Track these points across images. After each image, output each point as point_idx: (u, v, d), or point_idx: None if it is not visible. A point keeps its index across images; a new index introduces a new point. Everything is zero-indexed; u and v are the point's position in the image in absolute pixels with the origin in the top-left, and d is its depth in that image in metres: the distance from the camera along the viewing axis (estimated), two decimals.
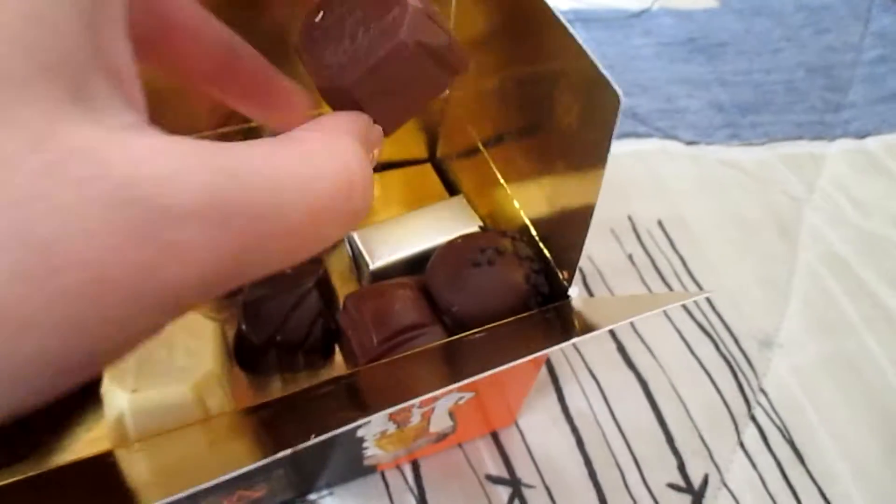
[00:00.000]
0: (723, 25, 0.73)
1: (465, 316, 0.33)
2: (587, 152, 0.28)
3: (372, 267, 0.38)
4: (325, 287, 0.38)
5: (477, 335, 0.31)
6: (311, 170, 0.18)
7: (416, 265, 0.38)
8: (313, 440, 0.20)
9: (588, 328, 0.27)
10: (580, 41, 0.27)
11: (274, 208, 0.16)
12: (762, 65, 0.70)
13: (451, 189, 0.48)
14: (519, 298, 0.33)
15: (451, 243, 0.36)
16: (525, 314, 0.32)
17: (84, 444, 0.34)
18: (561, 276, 0.33)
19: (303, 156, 0.18)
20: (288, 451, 0.20)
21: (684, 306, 0.49)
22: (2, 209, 0.12)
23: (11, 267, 0.12)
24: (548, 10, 0.30)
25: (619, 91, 0.24)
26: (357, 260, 0.40)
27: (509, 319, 0.32)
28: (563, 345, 0.25)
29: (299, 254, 0.18)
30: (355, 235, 0.40)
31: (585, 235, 0.29)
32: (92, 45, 0.15)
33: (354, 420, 0.21)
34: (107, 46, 0.16)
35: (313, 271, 0.37)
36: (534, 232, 0.36)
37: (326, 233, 0.19)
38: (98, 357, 0.14)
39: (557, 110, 0.31)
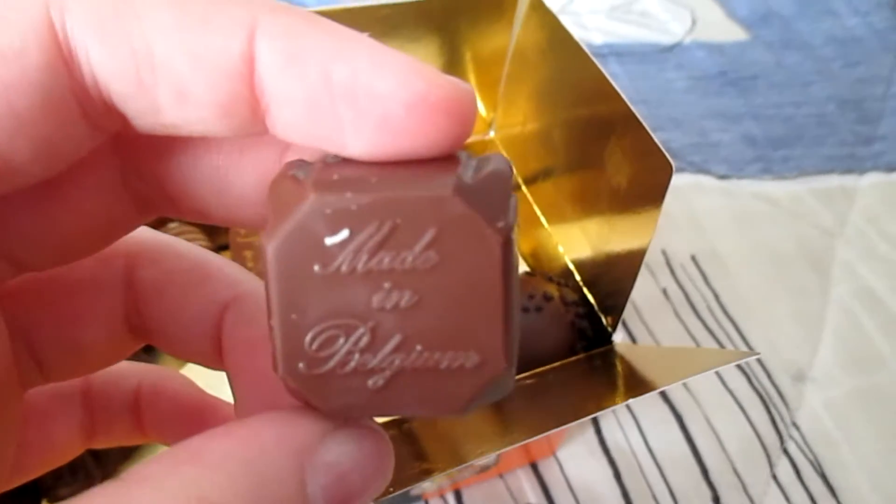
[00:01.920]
0: (753, 58, 0.74)
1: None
2: (636, 212, 0.30)
3: None
4: None
5: (527, 381, 0.32)
6: None
7: None
8: (390, 494, 0.22)
9: (634, 378, 0.29)
10: (632, 108, 0.29)
11: None
12: (793, 98, 0.71)
13: None
14: (565, 343, 0.35)
15: None
16: (572, 359, 0.34)
17: None
18: (605, 322, 0.35)
19: None
20: (386, 498, 0.22)
21: (718, 340, 0.51)
22: None
23: None
24: (599, 72, 0.31)
25: (672, 161, 0.26)
26: None
27: (557, 364, 0.33)
28: (615, 407, 0.26)
29: None
30: None
31: (632, 287, 0.31)
32: None
33: (422, 479, 0.23)
34: None
35: None
36: (578, 277, 0.38)
37: None
38: None
39: (607, 166, 0.32)
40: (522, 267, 0.43)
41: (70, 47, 0.13)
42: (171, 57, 0.13)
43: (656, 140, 0.29)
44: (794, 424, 0.47)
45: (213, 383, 0.38)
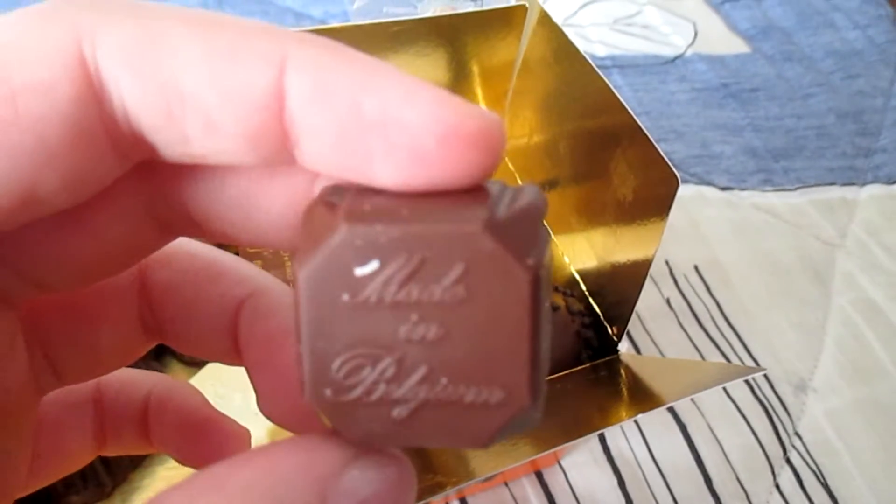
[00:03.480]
0: (755, 71, 0.75)
1: None
2: (641, 224, 0.30)
3: None
4: None
5: None
6: None
7: None
8: (427, 499, 0.22)
9: (639, 390, 0.29)
10: (637, 119, 0.30)
11: None
12: (794, 110, 0.72)
13: None
14: (571, 352, 0.35)
15: None
16: (578, 368, 0.34)
17: (161, 480, 0.36)
18: (610, 331, 0.36)
19: None
20: None
21: (720, 350, 0.51)
22: None
23: None
24: (605, 84, 0.32)
25: (678, 173, 0.27)
26: None
27: (563, 374, 0.34)
28: (623, 422, 0.27)
29: None
30: None
31: (637, 297, 0.31)
32: None
33: (436, 492, 0.23)
34: None
35: None
36: (583, 286, 0.38)
37: None
38: None
39: (613, 178, 0.33)
40: None
41: (100, 80, 0.13)
42: (201, 90, 0.13)
43: (661, 152, 0.29)
44: (797, 434, 0.48)
45: (224, 392, 0.39)
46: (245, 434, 0.23)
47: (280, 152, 0.14)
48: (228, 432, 0.23)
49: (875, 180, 0.66)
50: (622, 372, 0.34)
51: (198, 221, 0.17)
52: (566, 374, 0.34)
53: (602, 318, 0.37)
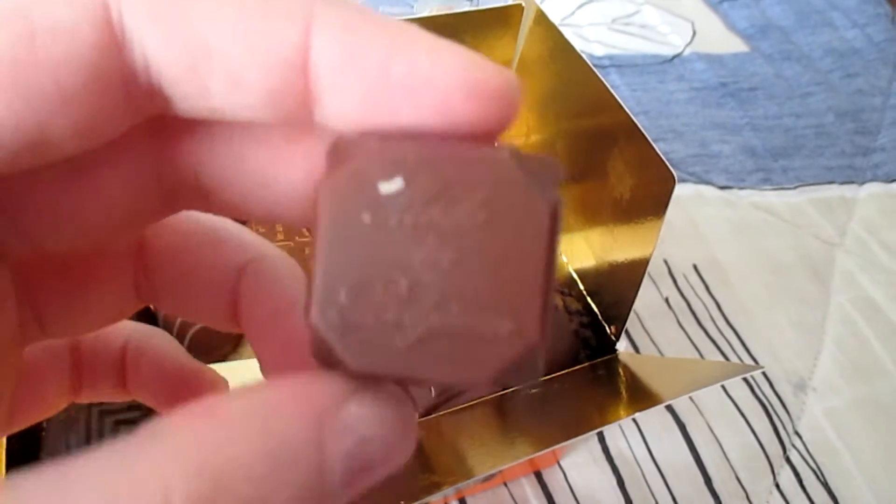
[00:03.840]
0: (753, 70, 0.75)
1: None
2: (639, 221, 0.30)
3: None
4: None
5: (531, 389, 0.33)
6: None
7: None
8: (422, 500, 0.22)
9: (637, 388, 0.29)
10: (634, 118, 0.29)
11: None
12: (792, 109, 0.72)
13: None
14: (569, 351, 0.35)
15: None
16: (576, 367, 0.34)
17: None
18: (609, 331, 0.35)
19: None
20: None
21: (720, 349, 0.51)
22: None
23: None
24: (601, 83, 0.32)
25: (675, 172, 0.27)
26: None
27: (561, 373, 0.34)
28: (621, 421, 0.27)
29: None
30: None
31: (635, 296, 0.31)
32: None
33: (432, 492, 0.23)
34: None
35: None
36: (581, 286, 0.38)
37: None
38: None
39: (610, 177, 0.33)
40: None
41: (123, 28, 0.13)
42: (227, 45, 0.13)
43: (658, 151, 0.29)
44: (797, 433, 0.48)
45: None
46: (223, 383, 0.23)
47: (301, 110, 0.14)
48: (206, 380, 0.22)
49: (874, 179, 0.66)
50: (620, 371, 0.34)
51: (207, 191, 0.17)
52: (564, 374, 0.34)
53: (600, 317, 0.37)
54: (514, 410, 0.33)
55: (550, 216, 0.13)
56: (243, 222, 0.21)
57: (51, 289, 0.18)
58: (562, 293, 0.37)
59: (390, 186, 0.13)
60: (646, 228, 0.30)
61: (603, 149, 0.34)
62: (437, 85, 0.13)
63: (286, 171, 0.16)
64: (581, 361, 0.35)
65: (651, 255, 0.30)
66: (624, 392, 0.33)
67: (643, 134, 0.30)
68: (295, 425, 0.13)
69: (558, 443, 0.27)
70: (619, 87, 0.70)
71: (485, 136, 0.14)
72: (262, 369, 0.19)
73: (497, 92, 0.13)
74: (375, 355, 0.13)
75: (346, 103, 0.14)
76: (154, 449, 0.12)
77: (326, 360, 0.14)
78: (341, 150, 0.14)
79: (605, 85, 0.33)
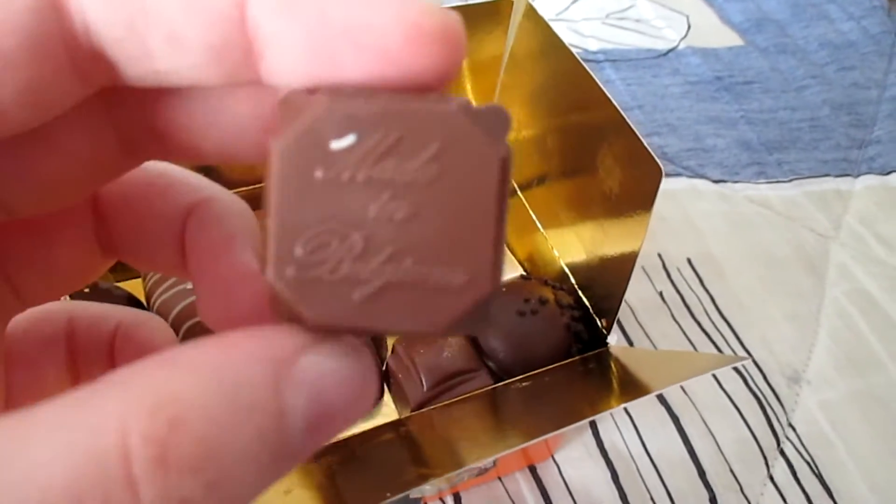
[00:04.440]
0: (748, 64, 0.75)
1: (510, 361, 0.35)
2: (628, 215, 0.30)
3: None
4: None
5: (522, 383, 0.33)
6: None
7: None
8: (387, 500, 0.22)
9: (628, 380, 0.29)
10: (623, 113, 0.29)
11: None
12: (787, 102, 0.72)
13: None
14: (561, 345, 0.35)
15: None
16: (567, 361, 0.34)
17: None
18: (600, 324, 0.36)
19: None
20: None
21: (714, 343, 0.51)
22: None
23: None
24: (591, 79, 0.32)
25: (661, 165, 0.27)
26: None
27: (553, 366, 0.34)
28: (612, 410, 0.27)
29: None
30: None
31: (625, 290, 0.31)
32: None
33: (419, 483, 0.23)
34: None
35: None
36: (573, 280, 0.38)
37: None
38: None
39: (599, 171, 0.33)
40: (518, 271, 0.43)
41: None
42: (163, 1, 0.13)
43: (646, 145, 0.29)
44: (791, 426, 0.48)
45: None
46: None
47: (244, 67, 0.14)
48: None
49: (870, 171, 0.66)
50: (612, 364, 0.34)
51: (164, 136, 0.17)
52: (556, 367, 0.34)
53: (592, 311, 0.37)
54: (506, 404, 0.33)
55: (500, 167, 0.13)
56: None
57: (15, 252, 0.18)
58: (554, 287, 0.37)
59: (342, 142, 0.13)
60: (635, 222, 0.30)
61: (593, 144, 0.34)
62: (375, 28, 0.13)
63: (233, 109, 0.16)
64: (573, 355, 0.35)
65: (640, 248, 0.30)
66: (615, 384, 0.33)
67: (631, 128, 0.30)
68: (251, 370, 0.13)
69: (549, 432, 0.27)
70: (613, 82, 0.70)
71: (433, 84, 0.14)
72: (199, 308, 0.18)
73: (437, 33, 0.13)
74: (332, 308, 0.13)
75: (289, 56, 0.14)
76: (112, 393, 0.12)
77: (285, 314, 0.14)
78: (292, 106, 0.14)
79: (594, 80, 0.34)
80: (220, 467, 0.12)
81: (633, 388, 0.31)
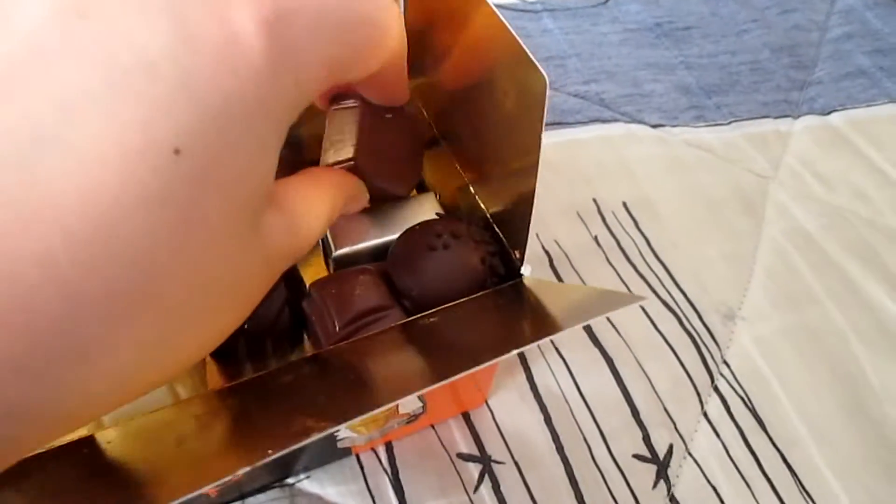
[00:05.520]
0: (689, 10, 0.74)
1: (425, 298, 0.35)
2: (526, 136, 0.30)
3: (334, 254, 0.39)
4: (292, 276, 0.39)
5: (431, 318, 0.32)
6: None
7: (380, 255, 0.40)
8: (290, 448, 0.21)
9: (539, 312, 0.29)
10: (509, 26, 0.28)
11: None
12: (728, 47, 0.71)
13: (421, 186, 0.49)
14: (476, 280, 0.34)
15: (409, 230, 0.37)
16: (480, 294, 0.34)
17: None
18: (514, 256, 0.35)
19: None
20: (262, 462, 0.21)
21: (648, 284, 0.51)
22: None
23: None
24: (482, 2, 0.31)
25: (545, 73, 0.26)
26: (325, 247, 0.41)
27: (464, 300, 0.33)
28: (534, 348, 0.26)
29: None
30: None
31: (530, 215, 0.31)
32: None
33: (328, 428, 0.22)
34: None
35: None
36: (487, 213, 0.37)
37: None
38: None
39: (498, 96, 0.32)
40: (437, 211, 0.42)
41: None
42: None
43: (529, 54, 0.28)
44: (725, 362, 0.47)
45: None
46: None
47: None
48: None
49: (810, 112, 0.66)
50: (525, 294, 0.33)
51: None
52: (466, 301, 0.33)
53: (506, 244, 0.36)
54: (425, 336, 0.32)
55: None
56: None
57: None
58: (468, 223, 0.36)
59: None
60: (531, 141, 0.29)
61: (491, 73, 0.33)
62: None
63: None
64: (488, 289, 0.35)
65: (536, 172, 0.29)
66: (528, 319, 0.33)
67: (516, 39, 0.29)
68: None
69: (461, 372, 0.26)
70: (552, 31, 0.69)
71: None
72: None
73: None
74: None
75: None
76: None
77: None
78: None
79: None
80: None
81: (543, 323, 0.30)
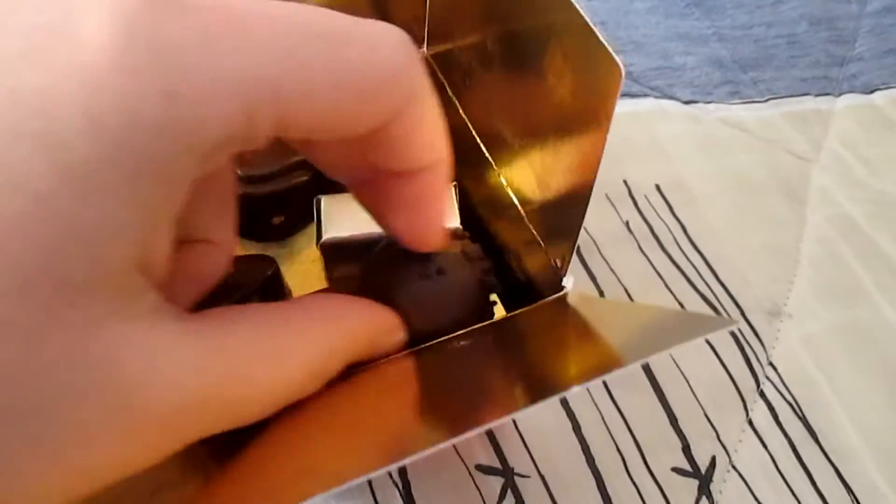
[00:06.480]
0: None
1: (423, 330, 0.29)
2: (583, 129, 0.25)
3: (323, 239, 0.35)
4: (272, 288, 0.35)
5: (459, 343, 0.27)
6: None
7: (371, 246, 0.35)
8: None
9: (589, 341, 0.24)
10: (580, 9, 0.24)
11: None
12: (762, 18, 0.66)
13: None
14: (476, 303, 0.30)
15: (390, 251, 0.32)
16: (510, 315, 0.29)
17: None
18: (554, 265, 0.30)
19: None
20: None
21: (685, 275, 0.47)
22: None
23: None
24: None
25: (622, 64, 0.21)
26: (318, 224, 0.37)
27: (488, 323, 0.28)
28: (589, 384, 0.19)
29: None
30: (323, 200, 0.37)
31: (581, 222, 0.26)
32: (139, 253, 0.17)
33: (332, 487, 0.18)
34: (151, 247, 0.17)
35: (258, 276, 0.34)
36: (522, 212, 0.33)
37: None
38: None
39: (549, 79, 0.27)
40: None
41: None
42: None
43: (603, 39, 0.24)
44: (771, 364, 0.43)
45: None
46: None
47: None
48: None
49: (851, 90, 0.61)
50: (568, 318, 0.28)
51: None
52: (491, 324, 0.29)
53: (544, 248, 0.31)
54: (409, 385, 0.27)
55: None
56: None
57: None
58: (461, 238, 0.31)
59: None
60: (590, 139, 0.25)
61: (539, 47, 0.29)
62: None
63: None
64: (489, 310, 0.30)
65: (597, 169, 0.25)
66: (572, 349, 0.27)
67: (583, 17, 0.25)
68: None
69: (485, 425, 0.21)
70: None
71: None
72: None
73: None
74: None
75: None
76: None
77: None
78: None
79: None
80: None
81: (599, 357, 0.25)
